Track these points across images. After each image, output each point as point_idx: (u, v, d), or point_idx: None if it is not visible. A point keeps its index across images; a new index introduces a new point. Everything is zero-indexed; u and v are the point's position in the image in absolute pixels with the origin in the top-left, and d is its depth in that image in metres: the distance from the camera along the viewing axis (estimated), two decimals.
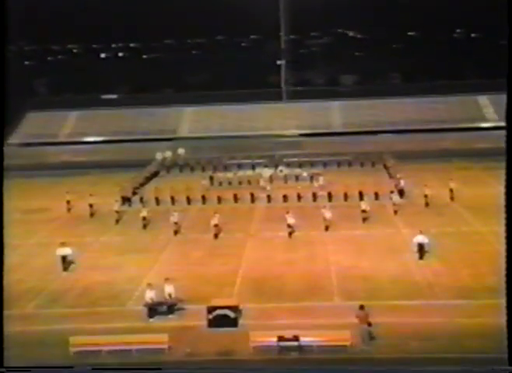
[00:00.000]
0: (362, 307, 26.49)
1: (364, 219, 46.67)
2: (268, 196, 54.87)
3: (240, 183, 61.01)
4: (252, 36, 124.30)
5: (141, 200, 54.33)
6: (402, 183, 53.78)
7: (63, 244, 37.80)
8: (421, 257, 37.17)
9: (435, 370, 23.22)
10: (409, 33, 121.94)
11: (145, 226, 47.19)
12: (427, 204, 50.51)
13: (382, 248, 40.05)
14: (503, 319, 13.57)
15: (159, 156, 73.47)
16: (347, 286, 33.60)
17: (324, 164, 68.37)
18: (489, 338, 25.27)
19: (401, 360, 24.30)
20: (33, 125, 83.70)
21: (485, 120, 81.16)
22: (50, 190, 60.81)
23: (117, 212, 49.42)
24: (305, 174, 62.99)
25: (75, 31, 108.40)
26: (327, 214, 44.97)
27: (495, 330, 25.00)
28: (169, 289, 30.68)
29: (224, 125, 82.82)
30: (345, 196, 53.09)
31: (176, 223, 45.33)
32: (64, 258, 37.52)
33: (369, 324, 26.01)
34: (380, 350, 25.22)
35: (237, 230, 45.94)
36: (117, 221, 49.17)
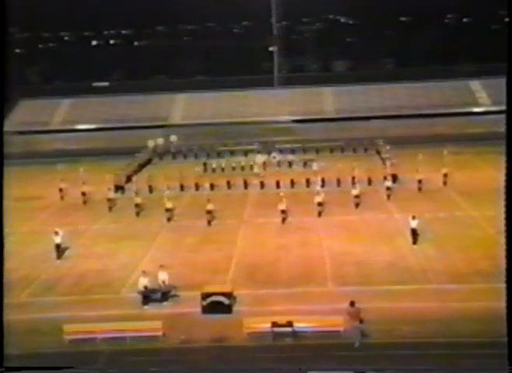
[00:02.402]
0: (352, 303, 25.44)
1: (357, 204, 46.74)
2: (261, 183, 54.90)
3: (233, 169, 61.03)
4: (244, 23, 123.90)
5: (134, 187, 54.20)
6: (395, 168, 53.84)
7: (57, 232, 37.75)
8: (414, 242, 37.28)
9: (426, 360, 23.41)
10: (401, 19, 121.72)
11: (138, 213, 47.17)
12: (420, 189, 50.64)
13: (375, 233, 40.15)
14: (495, 303, 13.67)
15: (151, 144, 73.31)
16: (340, 271, 33.70)
17: (317, 150, 68.39)
18: (482, 322, 25.43)
19: (394, 345, 24.41)
20: (24, 113, 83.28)
21: (478, 104, 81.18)
22: (42, 178, 60.68)
23: (110, 200, 49.36)
24: (298, 160, 63.06)
25: (66, 18, 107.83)
26: (321, 200, 45.02)
27: (488, 314, 25.17)
28: (163, 276, 30.71)
29: (216, 112, 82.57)
30: (338, 182, 53.12)
31: (169, 210, 45.32)
32: (58, 246, 37.50)
33: (361, 321, 25.10)
34: (373, 335, 25.29)
35: (231, 216, 45.96)
36: (111, 209, 49.14)
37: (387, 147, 63.81)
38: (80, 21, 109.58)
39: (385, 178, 51.06)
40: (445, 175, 52.02)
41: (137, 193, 48.93)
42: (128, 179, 57.67)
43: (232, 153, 68.81)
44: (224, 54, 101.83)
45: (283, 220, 43.65)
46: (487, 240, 36.10)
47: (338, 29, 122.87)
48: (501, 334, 14.62)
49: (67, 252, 38.38)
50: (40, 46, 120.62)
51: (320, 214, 44.82)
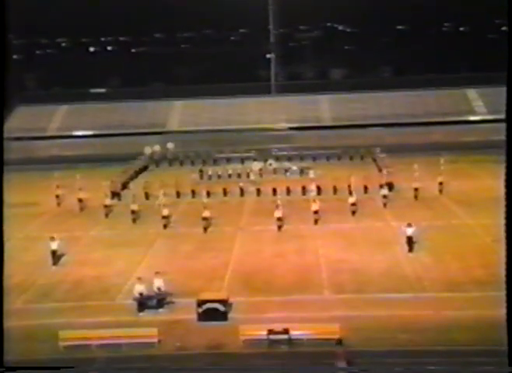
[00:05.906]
0: (339, 341, 24.37)
1: (353, 212, 46.76)
2: (258, 190, 54.94)
3: (229, 176, 61.08)
4: (241, 30, 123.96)
5: (130, 194, 54.16)
6: (391, 176, 53.90)
7: (53, 238, 37.72)
8: (410, 250, 37.30)
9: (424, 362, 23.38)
10: (398, 27, 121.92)
11: (134, 220, 47.14)
12: (416, 198, 50.69)
13: (371, 241, 40.14)
14: (491, 312, 13.66)
15: (147, 150, 73.38)
16: (336, 279, 33.69)
17: (314, 157, 68.52)
18: (478, 330, 25.42)
19: (390, 353, 24.37)
20: (21, 119, 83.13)
21: (474, 113, 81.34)
22: (39, 184, 60.52)
23: (106, 206, 49.35)
24: (294, 167, 63.11)
25: (63, 25, 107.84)
26: (317, 208, 45.02)
27: (484, 322, 25.18)
28: (158, 283, 30.67)
29: (213, 119, 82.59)
30: (335, 190, 53.13)
31: (165, 217, 45.31)
32: (53, 252, 37.46)
33: (349, 363, 23.34)
34: (369, 343, 25.26)
35: (227, 224, 45.94)
36: (107, 215, 49.12)
37: (384, 155, 63.95)
38: (78, 27, 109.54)
39: (381, 186, 51.09)
40: (441, 183, 52.10)
41: (133, 200, 48.93)
42: (125, 185, 57.70)
43: (228, 160, 68.90)
44: (221, 62, 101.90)
45: (279, 227, 43.66)
46: (483, 248, 36.15)
47: (335, 37, 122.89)
48: (498, 342, 14.61)
49: (63, 259, 38.32)
50: (37, 52, 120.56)
51: (316, 221, 44.82)
